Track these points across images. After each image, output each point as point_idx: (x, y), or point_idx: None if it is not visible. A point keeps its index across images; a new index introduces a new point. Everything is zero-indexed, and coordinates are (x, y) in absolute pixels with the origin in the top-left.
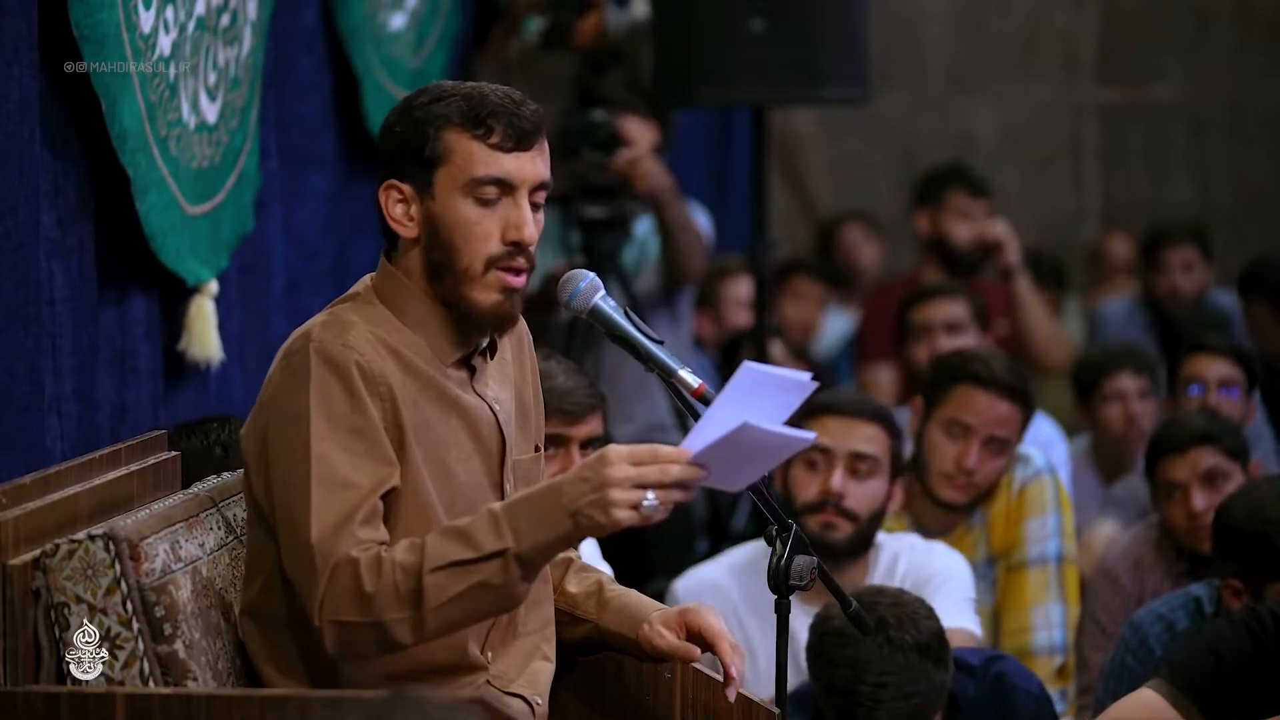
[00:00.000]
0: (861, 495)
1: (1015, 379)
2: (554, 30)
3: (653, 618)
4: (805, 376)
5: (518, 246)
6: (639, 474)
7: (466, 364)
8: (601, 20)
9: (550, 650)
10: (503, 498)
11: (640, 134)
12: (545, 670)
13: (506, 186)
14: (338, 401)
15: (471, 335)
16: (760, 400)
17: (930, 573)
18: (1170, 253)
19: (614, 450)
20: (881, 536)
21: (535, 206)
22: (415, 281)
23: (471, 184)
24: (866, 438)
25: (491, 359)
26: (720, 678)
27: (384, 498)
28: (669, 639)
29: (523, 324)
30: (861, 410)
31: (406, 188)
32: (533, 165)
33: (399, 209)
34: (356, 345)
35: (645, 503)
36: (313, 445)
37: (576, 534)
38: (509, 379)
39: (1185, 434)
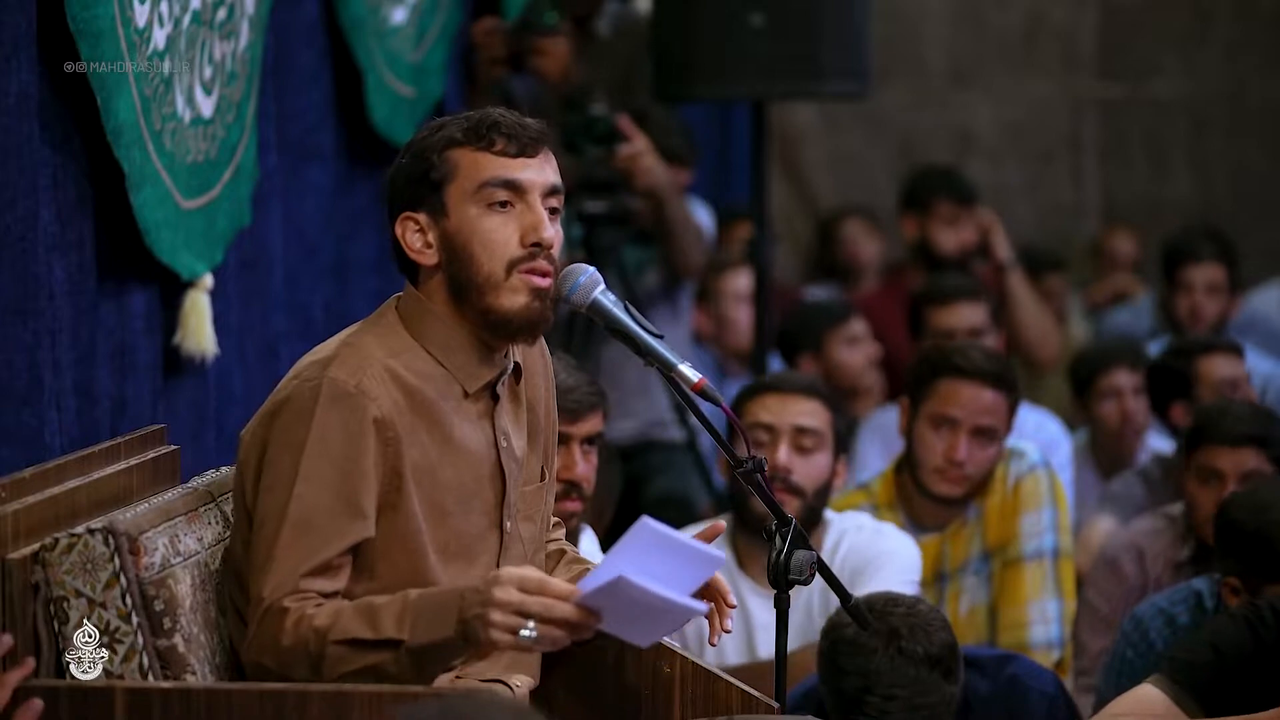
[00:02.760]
0: (807, 470)
1: (997, 366)
2: (517, 57)
3: None
4: (718, 554)
5: (538, 247)
6: (521, 601)
7: (491, 391)
8: (569, 53)
9: (532, 667)
10: (501, 537)
11: (639, 142)
12: (523, 683)
13: (517, 190)
14: (334, 444)
15: (491, 355)
16: (663, 562)
17: (873, 554)
18: (1195, 270)
19: (507, 572)
20: (830, 515)
21: (553, 213)
22: (438, 305)
23: (481, 188)
24: (807, 412)
25: (518, 383)
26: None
27: (358, 547)
28: None
29: (541, 340)
30: (800, 386)
31: (421, 216)
32: (540, 171)
33: (417, 239)
34: (368, 389)
35: (523, 631)
36: (297, 484)
37: (462, 642)
38: (522, 403)
39: (1240, 429)
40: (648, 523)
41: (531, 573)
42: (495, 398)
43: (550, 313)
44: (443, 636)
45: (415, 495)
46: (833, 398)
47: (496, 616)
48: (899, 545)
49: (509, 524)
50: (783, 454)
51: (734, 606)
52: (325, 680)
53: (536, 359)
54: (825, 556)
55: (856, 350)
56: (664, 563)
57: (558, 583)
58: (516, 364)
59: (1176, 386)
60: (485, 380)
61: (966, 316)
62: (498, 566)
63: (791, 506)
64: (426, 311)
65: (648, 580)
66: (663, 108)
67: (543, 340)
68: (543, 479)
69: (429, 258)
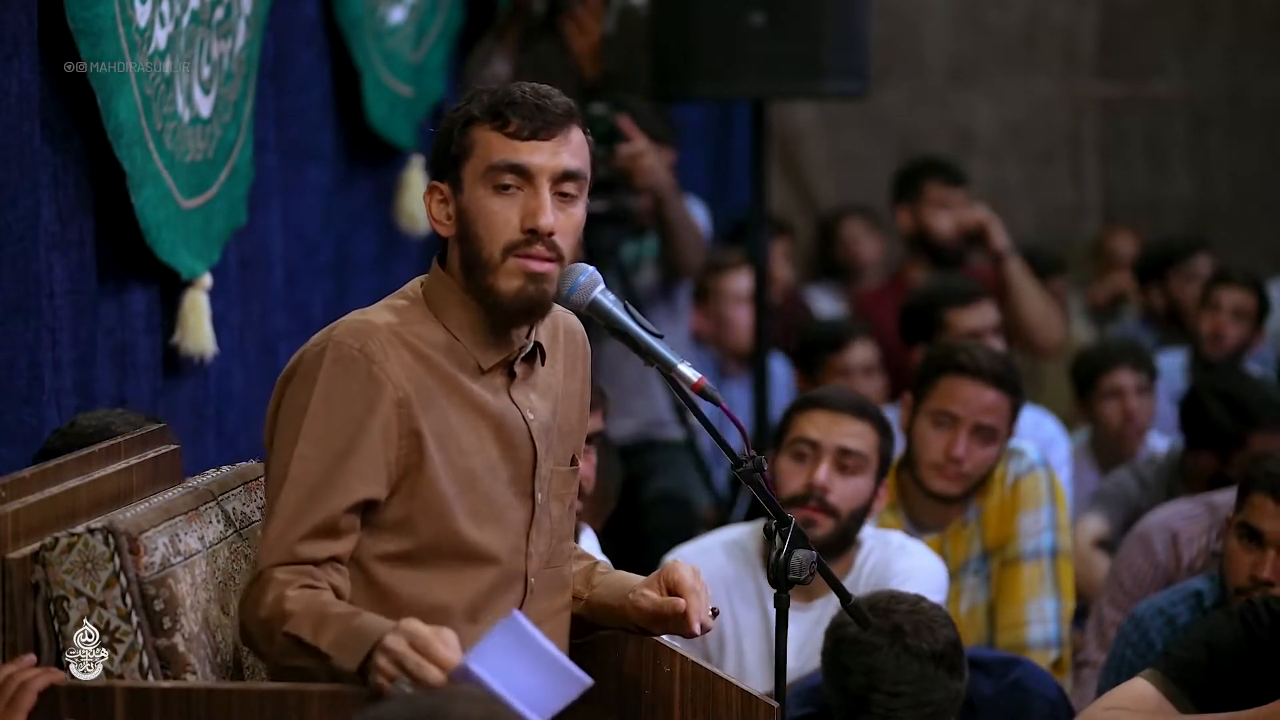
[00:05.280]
0: (846, 491)
1: (1000, 367)
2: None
3: (637, 585)
4: (583, 677)
5: (534, 234)
6: (401, 655)
7: (508, 369)
8: (599, 38)
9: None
10: (533, 507)
11: (640, 142)
12: None
13: (524, 174)
14: (338, 406)
15: (507, 334)
16: (530, 668)
17: (894, 571)
18: (1224, 294)
19: (406, 623)
20: (866, 531)
21: (566, 198)
22: (457, 281)
23: (488, 171)
24: (854, 433)
25: (543, 364)
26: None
27: (380, 508)
28: (651, 596)
29: (583, 333)
30: (851, 406)
31: (445, 187)
32: (552, 155)
33: (440, 209)
34: (372, 351)
35: (399, 683)
36: (298, 444)
37: (363, 678)
38: (554, 388)
39: None
40: (519, 620)
41: (424, 631)
42: (512, 375)
43: (547, 295)
44: (353, 664)
45: (438, 458)
46: (882, 420)
47: (381, 661)
48: (924, 563)
49: (540, 496)
50: (822, 473)
51: (690, 621)
52: (276, 658)
53: (577, 349)
54: (854, 573)
55: (850, 382)
56: (531, 669)
57: (442, 649)
58: (539, 345)
59: (1218, 441)
60: (499, 359)
61: (988, 315)
62: (526, 540)
63: (826, 527)
64: (448, 289)
65: (504, 686)
66: (636, 95)
67: (584, 333)
68: (573, 464)
69: (447, 229)
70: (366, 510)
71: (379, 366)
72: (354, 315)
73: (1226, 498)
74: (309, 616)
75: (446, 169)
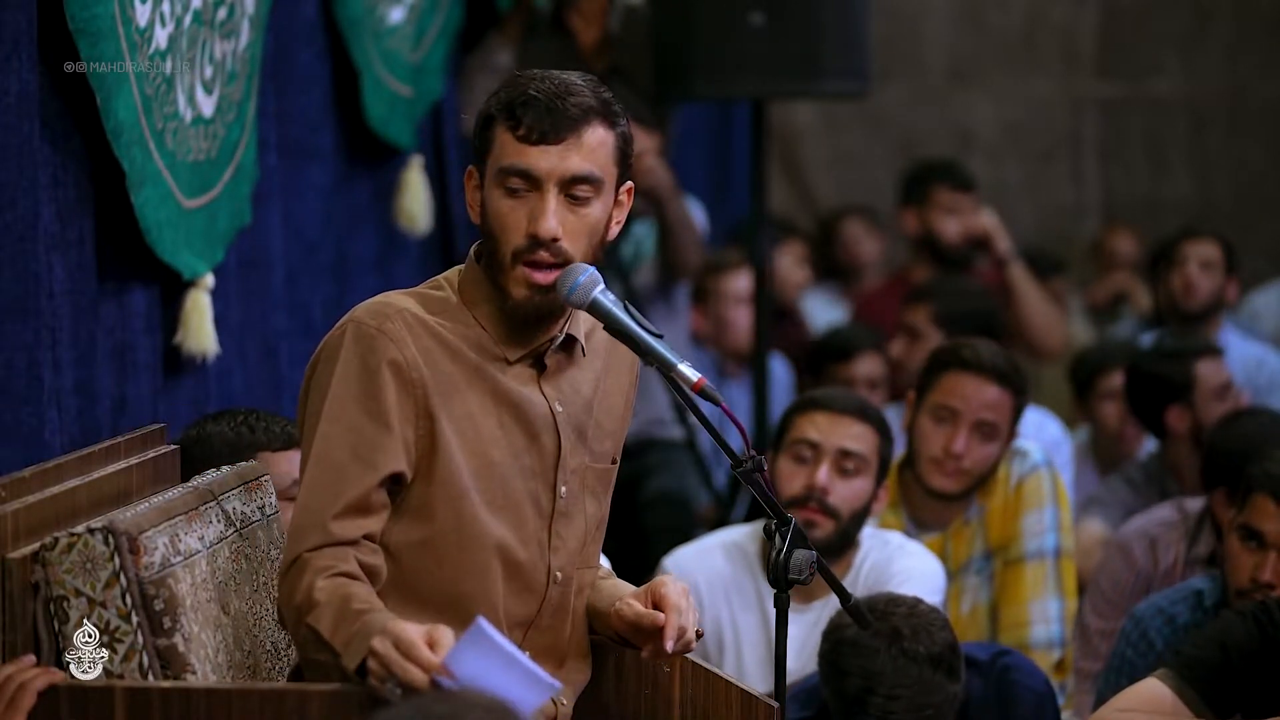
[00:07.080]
0: (846, 493)
1: (1003, 364)
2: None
3: (626, 594)
4: (553, 682)
5: (536, 240)
6: (385, 657)
7: (539, 360)
8: (603, 25)
9: (577, 685)
10: (555, 500)
11: (642, 142)
12: (579, 672)
13: (529, 179)
14: (356, 384)
15: (527, 329)
16: (498, 670)
17: (892, 571)
18: (1189, 247)
19: (393, 625)
20: (865, 532)
21: (578, 199)
22: (486, 272)
23: (499, 174)
24: (855, 435)
25: (584, 355)
26: (718, 671)
27: (404, 488)
28: (635, 607)
29: None
30: (852, 407)
31: (477, 174)
32: (560, 160)
33: (474, 195)
34: (391, 331)
35: (387, 683)
36: (321, 424)
37: (361, 679)
38: (591, 382)
39: None
40: (484, 626)
41: (408, 634)
42: (542, 366)
43: (554, 303)
44: (353, 667)
45: (455, 443)
46: (882, 421)
47: (372, 664)
48: (921, 563)
49: (563, 488)
50: (823, 474)
51: (664, 638)
52: (298, 647)
53: (616, 349)
54: (852, 573)
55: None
56: (501, 675)
57: (424, 652)
58: (571, 336)
59: (1170, 391)
60: (525, 350)
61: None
62: (549, 532)
63: (826, 529)
64: (478, 280)
65: (501, 685)
66: (620, 81)
67: None
68: (613, 462)
69: (476, 215)
70: (394, 491)
71: (395, 345)
72: (377, 297)
73: (1197, 503)
74: (330, 609)
75: (477, 159)
